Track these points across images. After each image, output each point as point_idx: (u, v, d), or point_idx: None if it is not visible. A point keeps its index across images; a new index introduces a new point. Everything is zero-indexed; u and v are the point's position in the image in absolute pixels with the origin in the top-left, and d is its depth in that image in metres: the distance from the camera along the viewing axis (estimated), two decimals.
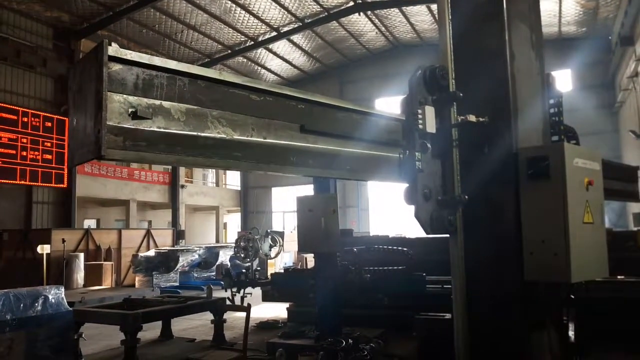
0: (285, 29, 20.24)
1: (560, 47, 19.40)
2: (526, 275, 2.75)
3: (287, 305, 7.47)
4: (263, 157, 2.47)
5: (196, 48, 20.51)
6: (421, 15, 20.27)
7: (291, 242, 14.71)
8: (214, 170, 28.08)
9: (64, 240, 12.51)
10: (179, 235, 19.77)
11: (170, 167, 22.53)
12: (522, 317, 2.78)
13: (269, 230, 10.24)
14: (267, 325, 7.55)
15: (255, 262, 9.28)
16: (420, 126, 2.66)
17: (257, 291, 7.19)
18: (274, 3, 18.19)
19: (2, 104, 14.44)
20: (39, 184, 15.10)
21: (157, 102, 2.01)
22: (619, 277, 5.31)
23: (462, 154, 2.94)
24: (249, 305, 5.89)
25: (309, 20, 19.96)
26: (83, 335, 5.89)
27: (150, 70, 2.00)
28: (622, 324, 4.94)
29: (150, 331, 6.82)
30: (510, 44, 2.97)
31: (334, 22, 20.40)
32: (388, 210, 23.97)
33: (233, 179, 30.09)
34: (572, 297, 3.08)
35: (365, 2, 19.42)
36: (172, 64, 2.07)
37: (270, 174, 2.94)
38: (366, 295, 5.71)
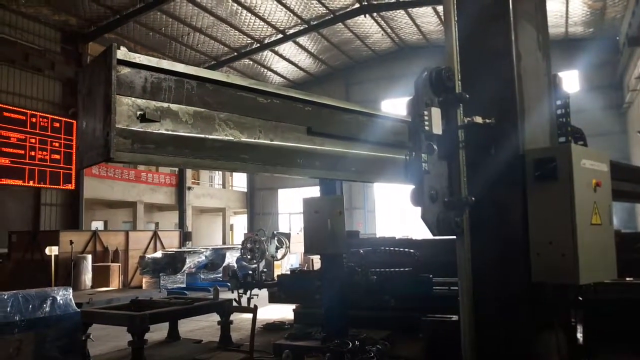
0: (291, 31, 20.29)
1: (567, 48, 19.28)
2: (534, 277, 2.74)
3: (293, 306, 7.47)
4: (270, 159, 2.48)
5: (202, 50, 20.61)
6: (427, 17, 20.26)
7: (297, 244, 14.69)
8: (220, 172, 28.19)
9: (71, 242, 12.56)
10: (185, 236, 19.81)
11: (177, 169, 22.63)
12: (529, 318, 2.77)
13: (275, 232, 10.26)
14: (274, 327, 7.55)
15: (262, 264, 9.30)
16: (427, 128, 2.67)
17: (264, 293, 7.21)
18: (279, 5, 18.25)
19: (11, 107, 14.59)
20: (47, 185, 15.21)
21: (165, 104, 2.03)
22: (627, 278, 5.28)
23: (469, 155, 2.94)
24: (256, 307, 5.91)
25: (315, 23, 20.00)
26: (91, 336, 5.93)
27: (158, 73, 2.01)
28: (630, 325, 4.91)
29: (158, 332, 6.85)
30: (517, 44, 2.97)
31: (340, 24, 20.42)
32: (394, 212, 23.96)
33: (239, 180, 30.17)
34: (580, 298, 3.06)
35: (370, 4, 19.43)
36: (179, 67, 2.08)
37: (276, 176, 2.94)
38: (373, 297, 5.69)
